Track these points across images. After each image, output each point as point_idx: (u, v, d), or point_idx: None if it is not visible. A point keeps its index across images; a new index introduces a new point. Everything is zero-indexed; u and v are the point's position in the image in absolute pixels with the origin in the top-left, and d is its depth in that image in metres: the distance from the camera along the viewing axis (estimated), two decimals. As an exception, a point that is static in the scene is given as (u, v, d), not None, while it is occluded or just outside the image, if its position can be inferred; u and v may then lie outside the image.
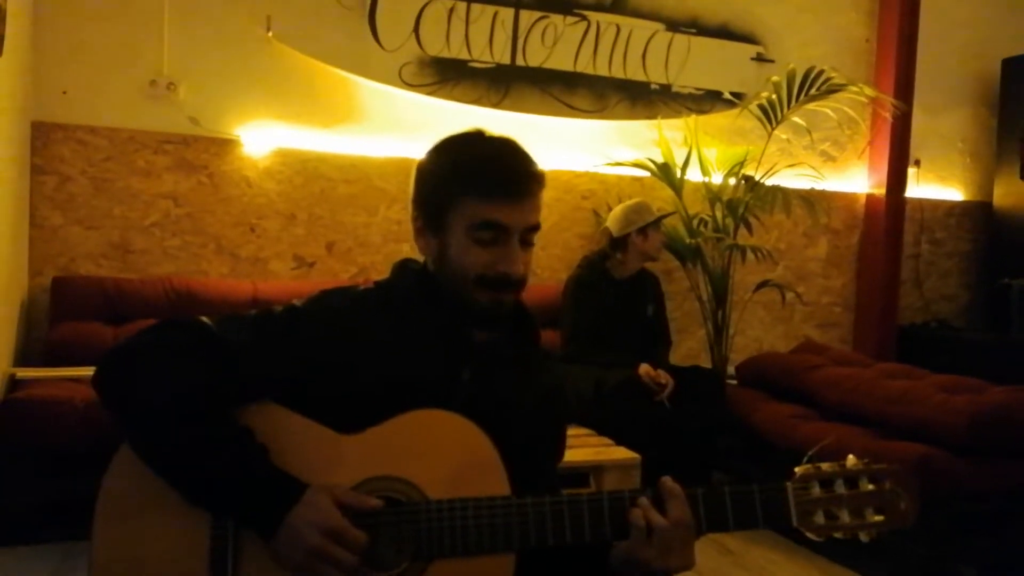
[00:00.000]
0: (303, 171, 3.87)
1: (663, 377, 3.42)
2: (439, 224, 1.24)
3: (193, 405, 1.12)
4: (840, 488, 1.14)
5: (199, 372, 1.14)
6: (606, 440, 3.09)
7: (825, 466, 1.16)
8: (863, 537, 1.14)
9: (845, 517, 1.13)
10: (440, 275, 1.25)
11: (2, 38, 2.95)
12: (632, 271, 3.79)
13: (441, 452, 1.16)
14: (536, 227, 1.24)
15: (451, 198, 1.22)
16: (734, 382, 3.97)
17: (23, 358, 3.39)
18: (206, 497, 1.12)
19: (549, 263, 4.27)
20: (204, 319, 1.20)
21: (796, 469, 1.16)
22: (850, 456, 1.16)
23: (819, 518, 1.13)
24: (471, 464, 1.16)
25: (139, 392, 1.12)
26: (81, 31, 3.56)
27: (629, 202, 3.83)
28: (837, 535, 1.13)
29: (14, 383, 3.06)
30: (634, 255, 3.75)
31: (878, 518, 1.14)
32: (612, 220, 3.77)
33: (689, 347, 4.54)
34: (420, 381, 1.21)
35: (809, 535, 1.13)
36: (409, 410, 1.17)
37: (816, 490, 1.14)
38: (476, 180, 1.21)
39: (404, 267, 1.33)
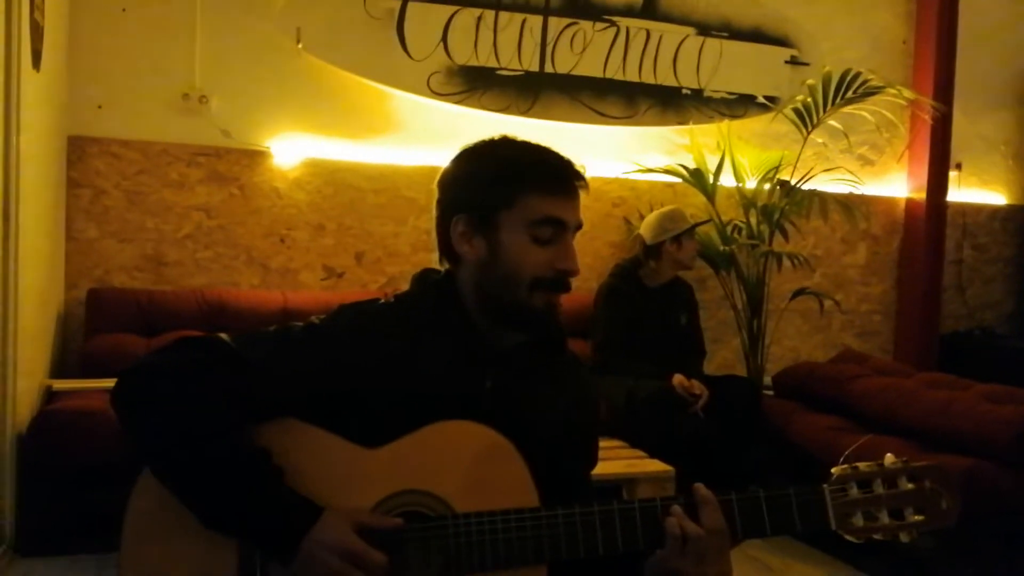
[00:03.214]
0: (332, 181, 3.89)
1: (697, 387, 3.37)
2: (489, 226, 1.22)
3: (210, 426, 1.11)
4: (878, 488, 1.11)
5: (217, 391, 1.12)
6: (639, 452, 3.04)
7: (863, 466, 1.13)
8: (903, 538, 1.11)
9: (884, 518, 1.11)
10: (491, 280, 1.23)
11: (39, 54, 3.01)
12: (665, 279, 3.75)
13: (467, 464, 1.15)
14: (581, 225, 1.27)
15: (508, 197, 1.21)
16: (771, 392, 3.90)
17: (59, 370, 3.44)
18: (220, 520, 1.10)
19: (581, 271, 4.19)
20: (223, 336, 1.19)
21: (833, 470, 1.13)
22: (888, 455, 1.13)
23: (858, 520, 1.10)
24: (498, 475, 1.14)
25: (156, 412, 1.11)
26: (115, 47, 3.62)
27: (663, 209, 3.78)
28: (877, 537, 1.11)
29: (50, 395, 3.11)
30: (668, 263, 3.71)
31: (918, 518, 1.11)
32: (645, 227, 3.72)
33: (724, 357, 4.46)
34: (442, 392, 1.19)
35: (848, 538, 1.11)
36: (433, 421, 1.16)
37: (854, 491, 1.11)
38: (538, 177, 1.22)
39: (424, 278, 1.31)
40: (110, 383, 1.16)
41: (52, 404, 2.97)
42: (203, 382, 1.12)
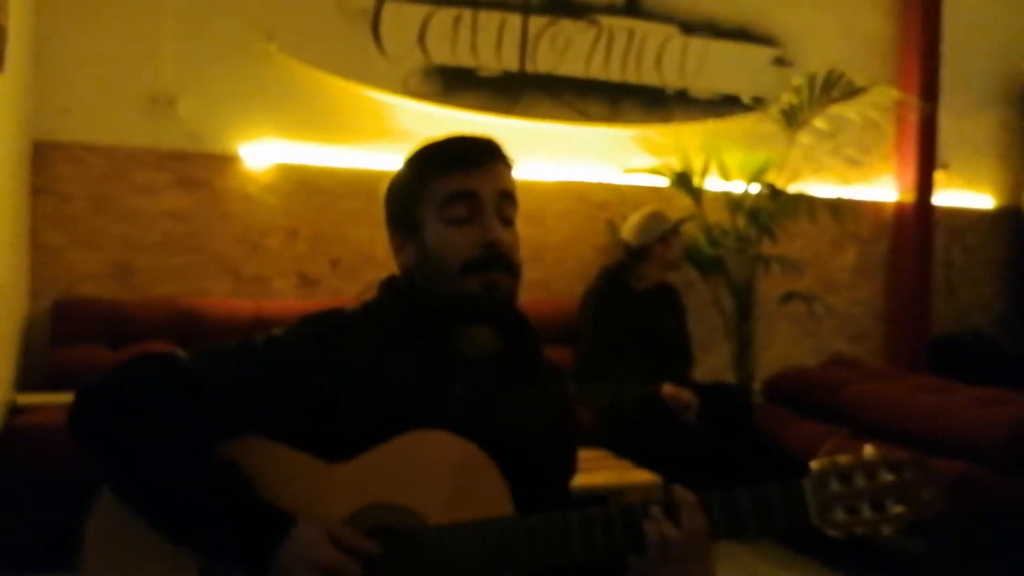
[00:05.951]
0: (306, 185, 3.84)
1: (686, 396, 3.30)
2: (412, 226, 1.22)
3: (174, 442, 1.09)
4: (859, 481, 1.09)
5: (178, 409, 1.11)
6: (625, 462, 2.96)
7: (842, 459, 1.10)
8: (885, 530, 1.08)
9: (866, 511, 1.09)
10: (428, 280, 1.21)
11: (2, 57, 2.91)
12: (653, 283, 3.69)
13: (438, 475, 1.12)
14: (511, 195, 1.22)
15: (417, 191, 1.22)
16: (761, 400, 3.84)
17: (25, 383, 3.34)
18: (191, 536, 1.08)
19: (564, 277, 4.17)
20: (180, 352, 1.18)
21: (812, 464, 1.10)
22: (867, 446, 1.12)
23: (839, 514, 1.09)
24: (471, 485, 1.12)
25: (117, 431, 1.09)
26: (81, 49, 3.55)
27: (643, 211, 3.73)
28: (859, 531, 1.08)
29: (15, 410, 3.02)
30: (656, 265, 3.65)
31: (900, 509, 1.09)
32: (628, 231, 3.67)
33: (712, 364, 4.39)
34: (410, 402, 1.17)
35: (830, 533, 1.08)
36: (401, 433, 1.14)
37: (834, 485, 1.09)
38: (436, 160, 1.22)
39: (390, 285, 1.28)
40: (76, 397, 1.14)
41: (17, 419, 2.89)
42: (164, 400, 1.11)
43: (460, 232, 1.18)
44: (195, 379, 1.13)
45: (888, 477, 1.09)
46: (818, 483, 1.08)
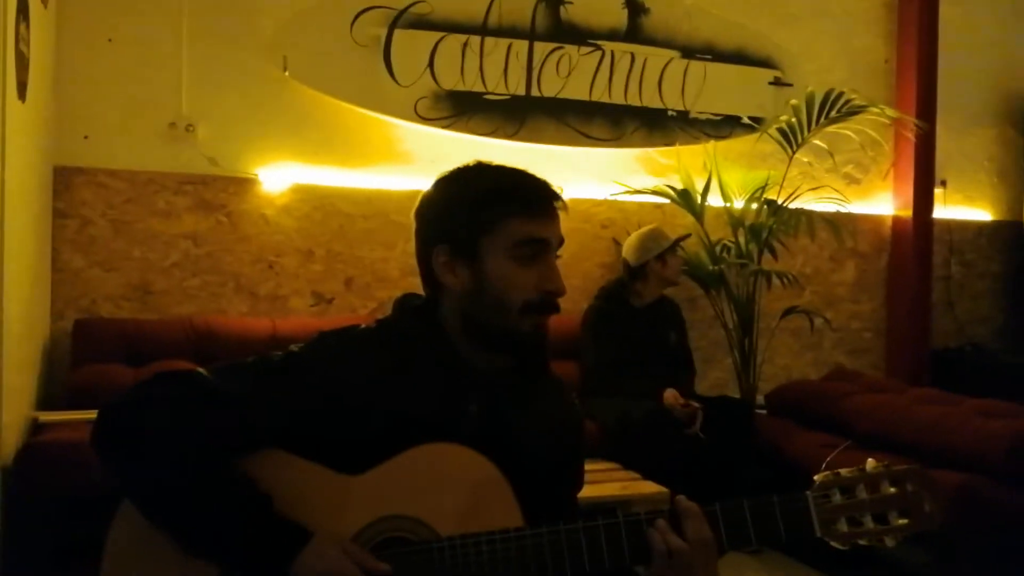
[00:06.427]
0: (321, 207, 3.89)
1: (685, 402, 3.34)
2: (471, 254, 1.22)
3: (194, 457, 1.11)
4: (861, 493, 1.12)
5: (198, 424, 1.13)
6: (633, 474, 3.02)
7: (845, 472, 1.13)
8: (888, 542, 1.10)
9: (869, 523, 1.11)
10: (480, 308, 1.23)
11: (24, 85, 2.99)
12: (652, 299, 3.76)
13: (449, 486, 1.14)
14: (563, 241, 1.27)
15: (488, 223, 1.21)
16: (763, 412, 3.88)
17: (46, 402, 3.39)
18: (209, 548, 1.11)
19: (569, 294, 4.08)
20: (200, 369, 1.20)
21: (815, 477, 1.13)
22: (869, 460, 1.14)
23: (842, 526, 1.11)
24: (481, 496, 1.14)
25: (140, 446, 1.11)
26: (102, 76, 3.62)
27: (642, 230, 3.82)
28: (862, 542, 1.10)
29: (37, 427, 3.06)
30: (654, 282, 3.73)
31: (902, 522, 1.11)
32: (628, 250, 3.76)
33: (716, 377, 4.45)
34: (426, 417, 1.19)
35: (834, 544, 1.11)
36: (416, 446, 1.16)
37: (837, 497, 1.12)
38: (516, 200, 1.22)
39: (405, 303, 1.31)
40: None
41: (38, 436, 2.93)
42: (185, 416, 1.12)
43: (524, 272, 1.21)
44: (215, 395, 1.15)
45: (890, 489, 1.11)
46: (821, 495, 1.11)
